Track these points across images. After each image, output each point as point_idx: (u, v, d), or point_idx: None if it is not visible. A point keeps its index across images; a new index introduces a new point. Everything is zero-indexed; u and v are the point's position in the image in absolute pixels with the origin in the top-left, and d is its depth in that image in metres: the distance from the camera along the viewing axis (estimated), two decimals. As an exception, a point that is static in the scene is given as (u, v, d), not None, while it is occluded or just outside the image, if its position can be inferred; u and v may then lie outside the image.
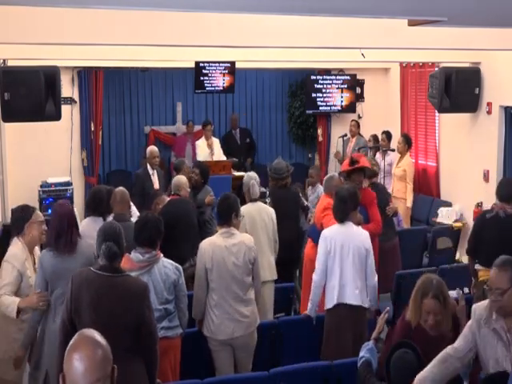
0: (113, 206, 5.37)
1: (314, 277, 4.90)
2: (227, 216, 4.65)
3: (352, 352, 4.60)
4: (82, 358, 2.02)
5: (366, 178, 6.27)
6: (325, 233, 4.94)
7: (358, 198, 5.07)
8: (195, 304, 4.62)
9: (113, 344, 3.60)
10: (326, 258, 4.80)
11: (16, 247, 4.45)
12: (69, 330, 3.55)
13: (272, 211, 5.93)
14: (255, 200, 5.89)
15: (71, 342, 2.11)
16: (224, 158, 10.04)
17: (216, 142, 10.23)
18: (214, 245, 4.57)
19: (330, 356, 4.65)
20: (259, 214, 5.80)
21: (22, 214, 4.53)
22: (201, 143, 10.10)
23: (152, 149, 8.22)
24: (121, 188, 5.60)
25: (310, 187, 8.19)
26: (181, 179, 6.57)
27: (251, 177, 6.02)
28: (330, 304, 4.80)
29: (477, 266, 5.18)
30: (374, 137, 9.68)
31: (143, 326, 3.58)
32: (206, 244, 4.64)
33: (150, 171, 8.00)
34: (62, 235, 4.29)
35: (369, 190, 6.41)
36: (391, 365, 3.44)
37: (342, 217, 4.89)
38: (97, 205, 5.41)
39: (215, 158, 9.74)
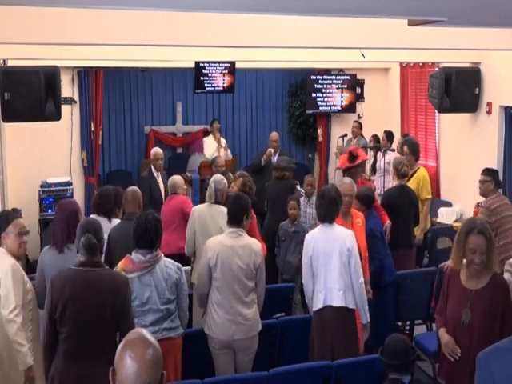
0: (124, 205, 5.33)
1: (303, 281, 4.85)
2: (238, 217, 4.63)
3: (330, 355, 4.49)
4: (135, 357, 2.01)
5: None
6: (307, 236, 4.84)
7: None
8: (198, 298, 4.66)
9: (96, 340, 3.57)
10: (310, 261, 4.70)
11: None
12: (52, 331, 3.59)
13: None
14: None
15: (124, 340, 2.08)
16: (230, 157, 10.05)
17: (223, 141, 10.22)
18: (221, 243, 4.57)
19: (314, 359, 4.62)
20: (211, 214, 5.58)
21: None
22: (207, 140, 10.11)
23: (156, 151, 7.97)
24: (133, 187, 5.54)
25: (304, 198, 6.98)
26: (176, 179, 6.54)
27: (214, 179, 5.78)
28: (316, 307, 4.69)
29: None
30: (375, 137, 9.69)
31: (124, 320, 3.58)
32: (212, 242, 4.64)
33: (155, 173, 7.79)
34: (61, 233, 4.32)
35: (367, 183, 6.50)
36: (384, 350, 3.48)
37: (331, 219, 4.72)
38: (103, 203, 5.36)
39: (222, 155, 9.70)
